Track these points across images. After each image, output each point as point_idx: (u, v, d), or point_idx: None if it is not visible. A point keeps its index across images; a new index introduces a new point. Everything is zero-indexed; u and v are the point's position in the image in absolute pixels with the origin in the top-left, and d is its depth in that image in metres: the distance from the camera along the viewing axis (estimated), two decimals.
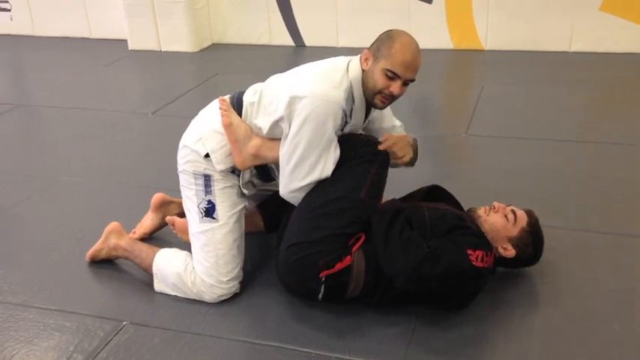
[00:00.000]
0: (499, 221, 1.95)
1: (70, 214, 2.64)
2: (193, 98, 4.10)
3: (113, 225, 2.24)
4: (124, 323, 1.96)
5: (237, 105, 2.04)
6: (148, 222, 2.41)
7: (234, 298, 2.03)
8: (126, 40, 5.25)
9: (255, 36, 5.21)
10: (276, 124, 1.94)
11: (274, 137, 1.97)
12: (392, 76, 1.87)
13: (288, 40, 5.14)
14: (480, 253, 1.82)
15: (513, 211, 1.96)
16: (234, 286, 2.02)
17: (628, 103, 3.66)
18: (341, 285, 1.86)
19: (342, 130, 1.93)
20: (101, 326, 1.95)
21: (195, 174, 2.02)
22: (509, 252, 1.95)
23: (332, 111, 1.85)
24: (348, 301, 1.91)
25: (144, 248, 2.16)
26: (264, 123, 1.98)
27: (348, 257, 1.84)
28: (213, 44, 5.29)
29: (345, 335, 1.85)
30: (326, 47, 5.01)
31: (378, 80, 1.88)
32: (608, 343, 1.79)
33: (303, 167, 1.88)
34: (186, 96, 4.13)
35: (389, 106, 2.04)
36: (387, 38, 1.89)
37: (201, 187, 2.01)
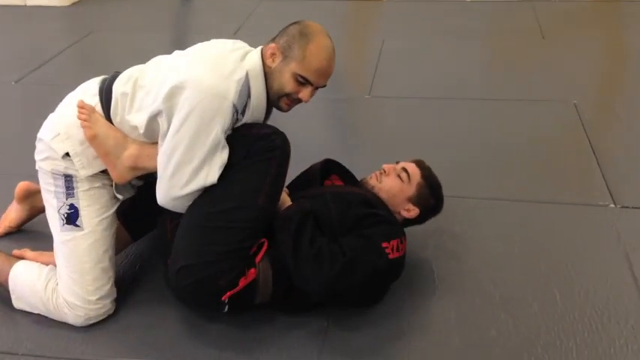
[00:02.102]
0: (394, 185, 1.85)
1: None
2: (65, 62, 3.63)
3: None
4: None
5: (106, 96, 1.68)
6: (12, 214, 2.08)
7: (112, 317, 1.73)
8: None
9: None
10: (153, 119, 1.60)
11: (154, 138, 1.64)
12: (303, 82, 1.62)
13: None
14: (394, 242, 1.68)
15: (404, 169, 1.86)
16: (104, 306, 1.71)
17: (528, 55, 3.61)
18: (247, 298, 1.63)
19: (232, 129, 1.62)
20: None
21: (54, 173, 1.67)
22: (413, 212, 1.85)
23: (220, 107, 1.55)
24: (256, 307, 1.69)
25: (3, 261, 1.79)
26: (139, 119, 1.63)
27: (252, 270, 1.61)
28: None
29: (252, 348, 1.63)
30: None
31: (287, 84, 1.63)
32: (529, 327, 1.70)
33: (184, 173, 1.57)
34: (57, 59, 3.64)
35: None
36: (300, 37, 1.62)
37: (62, 189, 1.67)
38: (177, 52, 1.74)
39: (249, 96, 1.62)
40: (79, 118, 1.65)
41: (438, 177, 1.90)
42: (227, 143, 1.59)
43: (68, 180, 1.66)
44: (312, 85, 1.64)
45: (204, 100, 1.53)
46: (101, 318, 1.71)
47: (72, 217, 1.66)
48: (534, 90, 3.12)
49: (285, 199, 1.73)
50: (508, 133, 2.73)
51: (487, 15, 4.25)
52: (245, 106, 1.61)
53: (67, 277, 1.68)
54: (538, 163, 2.49)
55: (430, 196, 1.87)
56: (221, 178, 1.58)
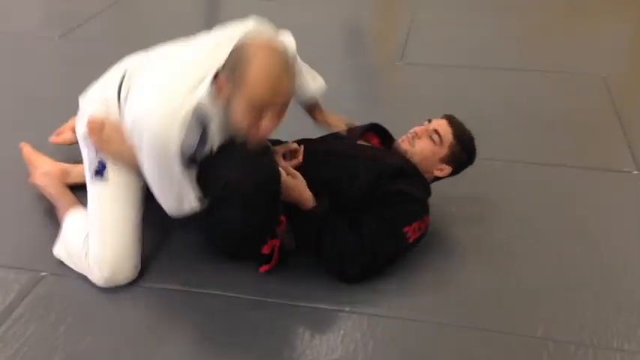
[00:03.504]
0: (426, 147, 1.87)
1: None
2: (106, 20, 3.73)
3: (53, 168, 2.05)
4: (43, 274, 1.78)
5: (118, 94, 1.67)
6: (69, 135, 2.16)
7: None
8: None
9: None
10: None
11: None
12: (257, 110, 1.44)
13: None
14: (416, 224, 1.76)
15: (436, 131, 1.87)
16: (122, 268, 1.70)
17: (559, 28, 3.65)
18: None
19: (195, 154, 1.52)
20: (17, 278, 1.76)
21: (85, 135, 1.73)
22: (446, 170, 1.91)
23: (168, 151, 1.47)
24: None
25: (67, 202, 1.92)
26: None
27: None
28: None
29: (269, 336, 1.62)
30: None
31: (242, 119, 1.46)
32: (548, 279, 1.80)
33: (168, 199, 1.60)
34: (99, 17, 3.73)
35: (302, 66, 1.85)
36: (240, 59, 1.43)
37: (94, 147, 1.71)
38: (160, 53, 1.69)
39: (204, 126, 1.49)
40: (91, 141, 1.69)
41: (469, 130, 1.94)
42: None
43: None
44: (269, 113, 1.45)
45: (153, 145, 1.50)
46: (124, 281, 1.72)
47: (100, 171, 1.71)
48: (564, 62, 3.17)
49: (300, 189, 1.70)
50: (536, 102, 2.79)
51: None
52: (203, 135, 1.49)
53: (92, 229, 1.72)
54: (565, 130, 2.56)
55: (462, 152, 1.91)
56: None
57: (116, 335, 1.61)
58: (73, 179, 2.04)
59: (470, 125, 1.95)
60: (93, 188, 1.73)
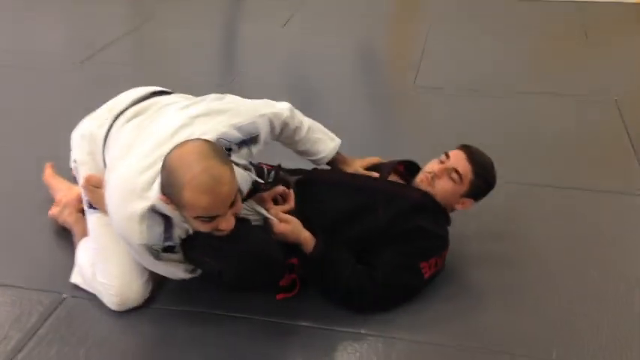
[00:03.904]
0: (447, 187, 1.83)
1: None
2: (126, 45, 3.83)
3: (70, 197, 2.08)
4: (64, 296, 1.82)
5: (102, 150, 1.75)
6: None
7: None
8: None
9: None
10: None
11: None
12: (208, 219, 1.45)
13: None
14: (433, 260, 1.77)
15: (456, 171, 1.82)
16: (131, 290, 1.72)
17: (572, 53, 3.69)
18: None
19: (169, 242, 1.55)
20: (39, 300, 1.81)
21: (76, 170, 1.83)
22: (467, 204, 1.89)
23: (135, 246, 1.54)
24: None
25: (80, 230, 1.96)
26: None
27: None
28: None
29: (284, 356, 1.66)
30: None
31: (200, 226, 1.48)
32: (565, 298, 1.81)
33: (162, 273, 1.69)
34: (119, 42, 3.83)
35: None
36: (169, 184, 1.43)
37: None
38: (126, 137, 1.69)
39: (166, 217, 1.51)
40: (87, 196, 1.76)
41: (488, 158, 1.91)
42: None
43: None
44: (219, 215, 1.45)
45: (124, 239, 1.58)
46: (137, 302, 1.74)
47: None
48: (577, 86, 3.20)
49: (296, 233, 1.69)
50: (549, 124, 2.81)
51: (532, 14, 4.31)
52: (166, 229, 1.52)
53: (95, 256, 1.77)
54: (578, 153, 2.58)
55: (483, 185, 1.88)
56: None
57: (135, 356, 1.64)
58: None
59: (483, 149, 1.95)
60: (91, 218, 1.79)
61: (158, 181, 1.48)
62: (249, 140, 1.63)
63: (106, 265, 1.73)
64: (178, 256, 1.59)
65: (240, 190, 1.53)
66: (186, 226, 1.54)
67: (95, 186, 1.73)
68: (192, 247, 1.57)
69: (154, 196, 1.48)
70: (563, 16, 4.25)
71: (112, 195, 1.57)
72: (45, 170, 2.22)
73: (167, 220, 1.51)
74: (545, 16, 4.27)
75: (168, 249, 1.55)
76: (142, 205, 1.48)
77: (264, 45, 3.86)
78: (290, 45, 3.89)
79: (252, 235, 1.59)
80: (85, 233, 1.93)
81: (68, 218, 2.04)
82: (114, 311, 1.76)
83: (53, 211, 2.10)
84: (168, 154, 1.46)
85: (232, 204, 1.46)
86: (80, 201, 2.06)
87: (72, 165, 1.86)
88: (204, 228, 1.48)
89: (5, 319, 1.74)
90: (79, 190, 2.03)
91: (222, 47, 4.02)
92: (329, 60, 3.58)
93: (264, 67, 3.46)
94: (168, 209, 1.49)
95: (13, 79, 3.34)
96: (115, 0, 4.66)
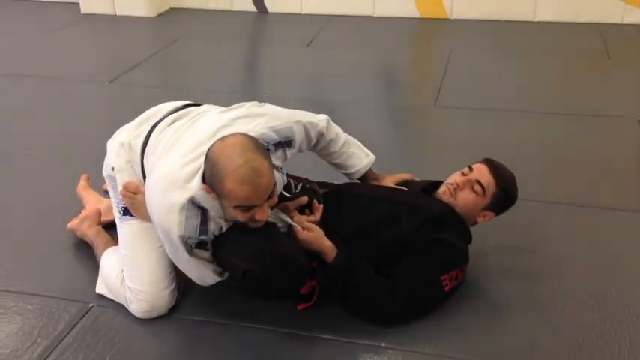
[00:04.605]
0: (469, 200, 1.85)
1: (26, 190, 2.49)
2: (153, 67, 3.93)
3: (91, 209, 2.14)
4: (91, 305, 1.87)
5: (141, 159, 1.79)
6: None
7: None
8: (78, 3, 4.99)
9: (214, 0, 5.02)
10: None
11: None
12: (246, 209, 1.53)
13: (249, 6, 4.98)
14: (454, 272, 1.78)
15: (479, 182, 1.84)
16: (160, 297, 1.77)
17: (593, 73, 3.69)
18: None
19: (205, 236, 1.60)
20: (66, 308, 1.85)
21: (110, 178, 1.86)
22: (489, 217, 1.90)
23: (172, 238, 1.58)
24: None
25: (102, 242, 2.02)
26: None
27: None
28: (171, 9, 5.08)
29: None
30: (289, 14, 4.88)
31: (236, 216, 1.55)
32: (585, 316, 1.80)
33: (190, 273, 1.71)
34: (146, 63, 3.95)
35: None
36: (212, 175, 1.51)
37: (117, 187, 1.82)
38: (170, 136, 1.74)
39: (203, 211, 1.57)
40: (125, 202, 1.79)
41: (510, 172, 1.91)
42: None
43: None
44: (256, 205, 1.53)
45: (162, 232, 1.63)
46: (163, 310, 1.78)
47: (127, 210, 1.80)
48: (598, 106, 3.20)
49: (319, 241, 1.72)
50: (571, 144, 2.82)
51: (554, 35, 4.34)
52: (203, 220, 1.57)
53: (126, 264, 1.80)
54: (600, 172, 2.58)
55: (506, 198, 1.89)
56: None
57: None
58: (109, 217, 2.11)
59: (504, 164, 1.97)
60: (123, 226, 1.83)
61: (199, 174, 1.55)
62: (284, 143, 1.70)
63: (138, 272, 1.77)
64: (209, 254, 1.63)
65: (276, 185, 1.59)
66: (221, 221, 1.60)
67: (133, 192, 1.79)
68: (221, 245, 1.62)
69: (194, 187, 1.55)
70: (586, 38, 4.26)
71: (154, 188, 1.62)
72: (80, 182, 2.28)
73: (204, 213, 1.57)
74: (567, 38, 4.28)
75: (201, 244, 1.59)
76: (183, 195, 1.55)
77: (287, 65, 3.94)
78: (313, 65, 3.95)
79: (279, 237, 1.65)
80: (106, 245, 1.98)
81: (87, 231, 2.09)
82: (139, 320, 1.80)
83: (72, 223, 2.15)
84: (212, 146, 1.54)
85: (269, 197, 1.53)
86: (100, 214, 2.14)
87: (105, 173, 1.90)
88: (241, 217, 1.54)
89: (34, 326, 1.79)
90: (108, 202, 2.10)
91: (246, 68, 4.11)
92: (351, 79, 3.64)
93: (288, 87, 3.53)
94: (207, 200, 1.55)
95: (46, 93, 3.46)
96: (140, 24, 4.79)
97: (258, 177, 1.49)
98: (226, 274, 1.68)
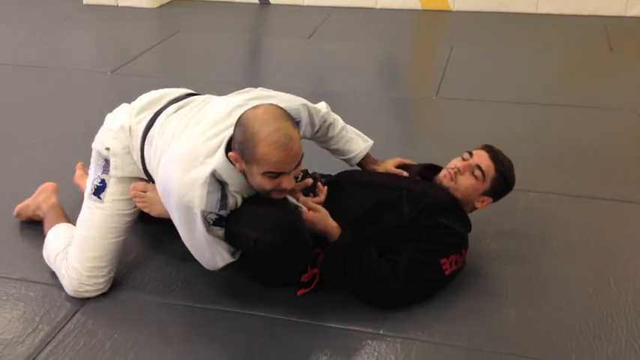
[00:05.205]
0: (469, 184, 1.88)
1: (26, 178, 2.50)
2: (154, 57, 3.94)
3: (48, 184, 2.18)
4: None
5: (141, 145, 1.79)
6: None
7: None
8: None
9: None
10: None
11: None
12: (275, 175, 1.57)
13: None
14: (453, 257, 1.80)
15: (479, 167, 1.86)
16: (95, 284, 1.82)
17: (595, 66, 3.69)
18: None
19: (222, 211, 1.63)
20: (67, 296, 1.86)
21: (99, 152, 1.85)
22: (486, 202, 1.92)
23: (191, 214, 1.60)
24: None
25: (55, 217, 2.04)
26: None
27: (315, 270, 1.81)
28: (173, 0, 5.08)
29: (304, 353, 1.68)
30: (291, 5, 4.88)
31: (263, 184, 1.58)
32: (582, 306, 1.81)
33: (202, 256, 1.72)
34: (147, 54, 3.95)
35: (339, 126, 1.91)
36: (247, 142, 1.53)
37: (101, 165, 1.83)
38: (182, 118, 1.75)
39: (223, 185, 1.60)
40: (136, 203, 1.81)
41: (508, 159, 1.94)
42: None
43: (107, 162, 1.83)
44: (285, 173, 1.57)
45: (178, 207, 1.63)
46: (92, 294, 1.83)
47: (99, 190, 1.82)
48: (600, 98, 3.20)
49: (324, 222, 1.75)
50: (571, 136, 2.82)
51: (556, 27, 4.34)
52: (222, 197, 1.60)
53: (76, 239, 1.84)
54: (600, 163, 2.58)
55: (504, 184, 1.92)
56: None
57: (158, 351, 1.68)
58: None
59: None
60: (89, 205, 1.84)
61: (222, 148, 1.60)
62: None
63: (83, 254, 1.81)
64: (222, 232, 1.66)
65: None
66: (238, 196, 1.64)
67: (142, 191, 1.81)
68: (235, 220, 1.64)
69: (216, 161, 1.58)
70: (588, 30, 4.25)
71: (172, 167, 1.62)
72: (76, 171, 2.30)
73: (223, 188, 1.60)
74: (569, 31, 4.28)
75: (218, 222, 1.63)
76: (205, 170, 1.58)
77: (289, 56, 3.94)
78: (315, 56, 3.95)
79: (291, 210, 1.68)
80: (58, 220, 2.03)
81: (43, 204, 2.11)
82: (138, 308, 1.82)
83: (22, 204, 2.18)
84: (244, 113, 1.58)
85: (297, 165, 1.58)
86: (57, 190, 2.18)
87: (95, 146, 1.86)
88: (268, 185, 1.58)
89: (36, 312, 1.81)
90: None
91: (248, 59, 4.11)
92: (353, 71, 3.64)
93: (290, 78, 3.53)
94: (229, 172, 1.59)
95: (48, 84, 3.48)
96: (142, 15, 4.79)
97: (291, 142, 1.53)
98: (238, 255, 1.70)
